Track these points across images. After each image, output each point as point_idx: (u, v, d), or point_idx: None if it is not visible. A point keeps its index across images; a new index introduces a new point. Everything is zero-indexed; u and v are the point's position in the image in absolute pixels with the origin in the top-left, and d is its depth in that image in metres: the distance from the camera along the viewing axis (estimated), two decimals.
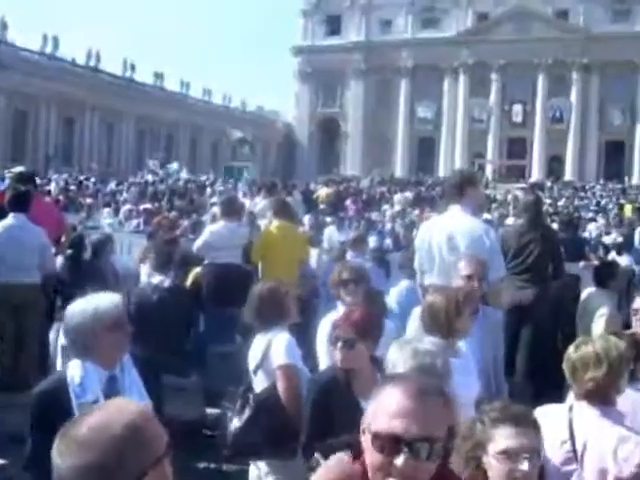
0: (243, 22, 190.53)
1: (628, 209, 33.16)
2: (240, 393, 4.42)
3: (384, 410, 1.77)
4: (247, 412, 4.27)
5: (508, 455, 2.46)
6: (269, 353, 4.36)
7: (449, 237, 5.73)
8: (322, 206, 23.88)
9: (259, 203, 14.37)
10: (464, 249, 5.55)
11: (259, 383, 4.48)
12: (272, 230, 8.97)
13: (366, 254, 9.79)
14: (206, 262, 8.73)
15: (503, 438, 2.48)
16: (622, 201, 41.36)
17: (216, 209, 12.79)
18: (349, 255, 9.13)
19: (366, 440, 1.82)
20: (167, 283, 6.79)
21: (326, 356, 4.61)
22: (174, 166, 48.54)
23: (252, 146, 66.67)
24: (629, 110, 73.11)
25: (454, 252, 5.59)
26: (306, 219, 15.67)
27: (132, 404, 1.64)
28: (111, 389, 3.24)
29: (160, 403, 3.90)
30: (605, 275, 7.28)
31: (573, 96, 74.07)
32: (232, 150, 67.75)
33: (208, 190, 33.10)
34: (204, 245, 8.79)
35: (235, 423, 4.30)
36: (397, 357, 3.22)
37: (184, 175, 45.23)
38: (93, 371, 3.22)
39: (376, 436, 1.76)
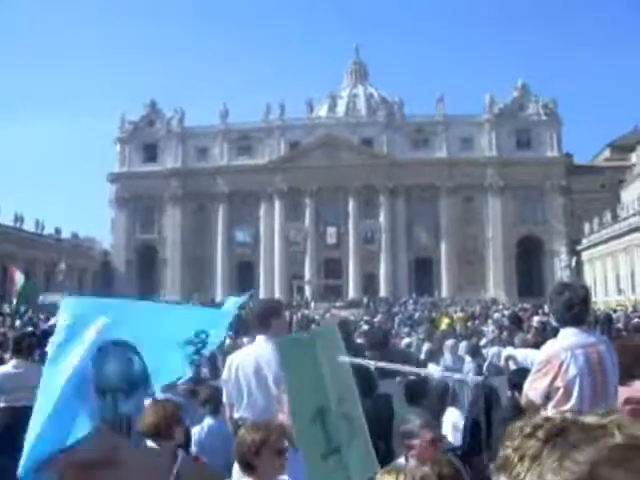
0: (56, 149, 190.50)
1: (444, 322, 33.86)
2: None
3: None
4: None
5: None
6: None
7: (256, 369, 5.60)
8: None
9: None
10: (272, 380, 5.42)
11: None
12: None
13: (175, 389, 8.49)
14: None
15: None
16: (433, 314, 42.46)
17: None
18: (159, 393, 7.83)
19: None
20: None
21: None
22: None
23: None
24: (433, 229, 77.49)
25: (262, 384, 5.46)
26: None
27: None
28: None
29: None
30: (416, 394, 6.93)
31: (382, 218, 77.58)
32: (46, 279, 65.25)
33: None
34: None
35: None
36: None
37: None
38: None
39: None
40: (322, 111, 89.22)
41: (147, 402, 5.14)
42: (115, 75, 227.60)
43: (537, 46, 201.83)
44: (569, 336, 4.80)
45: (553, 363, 4.69)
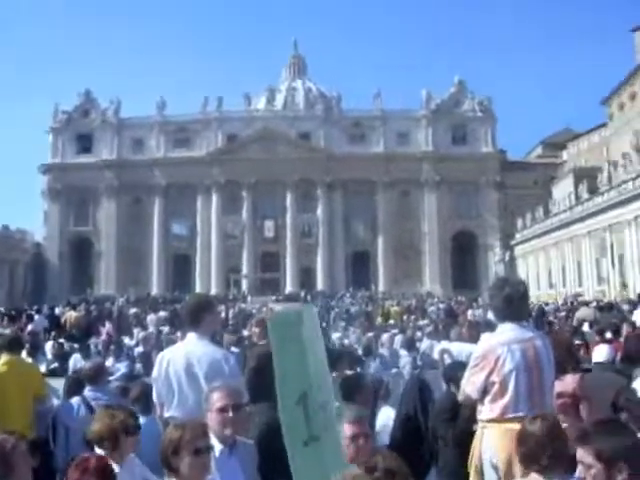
0: None
1: (395, 312, 34.03)
2: None
3: None
4: None
5: None
6: None
7: (187, 366, 5.37)
8: (74, 331, 21.97)
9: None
10: (203, 377, 5.22)
11: None
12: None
13: (106, 387, 8.05)
14: None
15: None
16: (369, 308, 42.65)
17: None
18: (87, 390, 7.39)
19: None
20: None
21: None
22: None
23: None
24: (370, 223, 78.08)
25: (194, 382, 5.23)
26: (48, 347, 13.96)
27: None
28: None
29: None
30: (351, 390, 6.63)
31: (320, 212, 77.75)
32: None
33: None
34: None
35: None
36: None
37: None
38: None
39: None
40: (260, 104, 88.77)
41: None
42: (48, 63, 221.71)
43: (474, 44, 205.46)
44: (506, 331, 4.86)
45: (489, 358, 4.75)
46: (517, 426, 4.61)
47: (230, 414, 4.30)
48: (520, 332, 4.85)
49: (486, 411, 4.78)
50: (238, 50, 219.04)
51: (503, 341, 4.80)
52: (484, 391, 4.77)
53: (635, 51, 66.49)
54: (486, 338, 5.39)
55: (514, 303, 4.94)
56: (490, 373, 4.72)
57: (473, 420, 5.65)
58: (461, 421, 6.07)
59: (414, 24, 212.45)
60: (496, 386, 4.69)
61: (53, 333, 20.50)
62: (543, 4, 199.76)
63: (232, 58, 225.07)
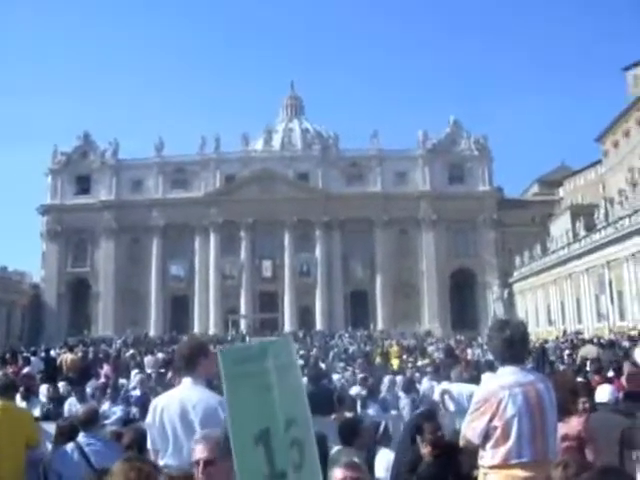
0: None
1: (394, 351, 33.62)
2: None
3: None
4: None
5: None
6: None
7: (182, 412, 5.26)
8: (70, 374, 21.69)
9: None
10: (199, 425, 5.08)
11: None
12: None
13: (101, 432, 7.76)
14: None
15: None
16: (368, 348, 42.38)
17: None
18: (81, 436, 7.14)
19: None
20: None
21: None
22: None
23: None
24: (369, 262, 78.01)
25: (189, 429, 5.09)
26: (43, 390, 13.74)
27: None
28: None
29: None
30: (349, 433, 6.74)
31: (318, 251, 77.74)
32: None
33: None
34: None
35: None
36: None
37: None
38: None
39: None
40: (258, 145, 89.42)
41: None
42: (47, 106, 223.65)
43: (468, 83, 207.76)
44: (507, 374, 4.76)
45: (491, 402, 4.64)
46: (520, 472, 4.50)
47: (200, 469, 4.14)
48: (521, 375, 4.76)
49: (488, 457, 4.66)
50: (235, 91, 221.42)
51: (504, 384, 4.70)
52: (485, 436, 4.66)
53: (627, 89, 67.28)
54: (487, 381, 5.29)
55: (514, 346, 4.85)
56: (492, 418, 4.62)
57: (473, 465, 5.55)
58: (461, 466, 5.98)
59: (410, 65, 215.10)
60: (498, 431, 4.59)
61: (48, 376, 20.21)
62: (537, 43, 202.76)
63: (229, 98, 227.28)
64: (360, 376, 16.16)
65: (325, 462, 7.54)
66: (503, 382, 4.72)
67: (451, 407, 11.04)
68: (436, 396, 11.93)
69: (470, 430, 4.76)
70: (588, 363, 16.92)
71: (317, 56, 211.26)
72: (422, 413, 6.99)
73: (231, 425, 3.59)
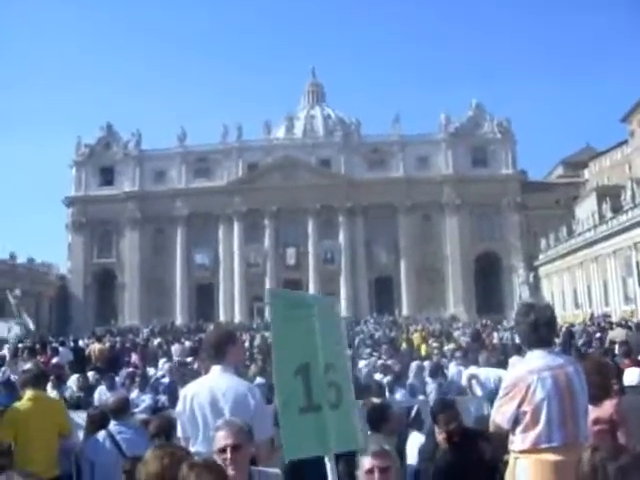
0: (10, 171, 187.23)
1: (417, 337, 33.70)
2: None
3: None
4: None
5: None
6: None
7: (212, 400, 5.28)
8: (98, 364, 22.04)
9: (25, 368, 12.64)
10: (229, 412, 5.12)
11: None
12: (23, 403, 7.56)
13: (131, 420, 7.89)
14: None
15: None
16: (393, 333, 42.32)
17: None
18: (112, 424, 7.20)
19: None
20: None
21: None
22: None
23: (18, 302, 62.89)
24: (393, 248, 77.78)
25: (219, 416, 5.05)
26: (73, 380, 13.97)
27: None
28: None
29: None
30: (377, 419, 6.75)
31: (341, 238, 77.72)
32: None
33: None
34: None
35: None
36: None
37: None
38: None
39: None
40: (280, 132, 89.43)
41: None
42: (71, 97, 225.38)
43: (491, 65, 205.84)
44: (536, 359, 4.72)
45: (520, 387, 4.60)
46: (551, 457, 4.47)
47: (229, 455, 4.22)
48: (550, 359, 4.71)
49: (518, 442, 4.63)
50: (257, 79, 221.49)
51: (533, 369, 4.65)
52: (515, 421, 4.63)
53: None
54: (515, 365, 5.25)
55: (540, 329, 4.79)
56: (521, 402, 4.58)
57: (497, 452, 5.52)
58: (489, 451, 5.97)
59: (431, 48, 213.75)
60: (528, 416, 4.55)
61: (77, 366, 20.42)
62: (561, 23, 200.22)
63: (251, 87, 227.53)
64: (381, 363, 16.19)
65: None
66: (531, 366, 4.68)
67: (478, 392, 11.05)
68: (464, 381, 11.94)
69: (500, 415, 4.73)
70: (617, 346, 16.77)
71: (338, 42, 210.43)
72: (437, 402, 6.95)
73: (275, 356, 3.82)
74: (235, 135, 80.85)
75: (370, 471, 4.26)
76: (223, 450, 4.24)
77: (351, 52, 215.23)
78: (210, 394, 5.37)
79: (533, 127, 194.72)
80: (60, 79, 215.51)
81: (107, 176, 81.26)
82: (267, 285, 77.11)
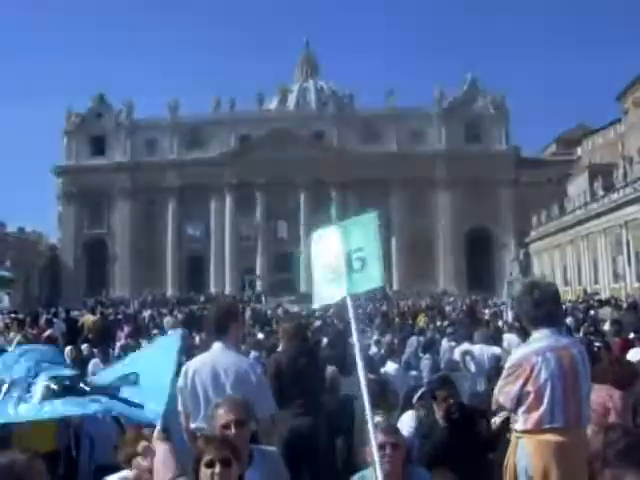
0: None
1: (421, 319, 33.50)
2: None
3: None
4: None
5: None
6: None
7: (214, 376, 5.30)
8: (90, 335, 21.95)
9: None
10: (230, 388, 5.15)
11: None
12: None
13: None
14: None
15: None
16: (384, 307, 42.06)
17: None
18: None
19: None
20: None
21: None
22: None
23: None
24: (384, 222, 77.28)
25: (220, 393, 5.08)
26: (66, 353, 13.94)
27: None
28: None
29: None
30: (376, 396, 6.74)
31: (333, 212, 77.28)
32: None
33: None
34: None
35: None
36: None
37: None
38: None
39: None
40: (272, 104, 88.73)
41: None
42: (62, 66, 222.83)
43: (486, 40, 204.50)
44: (540, 339, 4.69)
45: (524, 367, 4.60)
46: (553, 437, 4.49)
47: (233, 431, 4.18)
48: (554, 339, 4.68)
49: (521, 422, 4.64)
50: (249, 50, 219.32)
51: (538, 349, 4.63)
52: (518, 401, 4.64)
53: None
54: (511, 342, 5.26)
55: (544, 306, 4.73)
56: (525, 382, 4.58)
57: (493, 430, 5.55)
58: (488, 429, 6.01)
59: (425, 22, 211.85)
60: (531, 396, 4.55)
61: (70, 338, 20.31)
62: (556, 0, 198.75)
63: (243, 58, 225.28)
64: (375, 338, 16.24)
65: (352, 421, 7.60)
66: (536, 347, 4.66)
67: (472, 368, 11.09)
68: (456, 356, 11.96)
69: (503, 395, 4.73)
70: (606, 325, 16.82)
71: (331, 14, 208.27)
72: (435, 379, 6.98)
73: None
74: (227, 106, 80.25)
75: (382, 447, 4.27)
76: (226, 426, 4.21)
77: (345, 24, 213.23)
78: (212, 370, 5.38)
79: (528, 103, 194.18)
80: (51, 46, 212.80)
81: (98, 146, 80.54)
82: (258, 258, 77.24)
